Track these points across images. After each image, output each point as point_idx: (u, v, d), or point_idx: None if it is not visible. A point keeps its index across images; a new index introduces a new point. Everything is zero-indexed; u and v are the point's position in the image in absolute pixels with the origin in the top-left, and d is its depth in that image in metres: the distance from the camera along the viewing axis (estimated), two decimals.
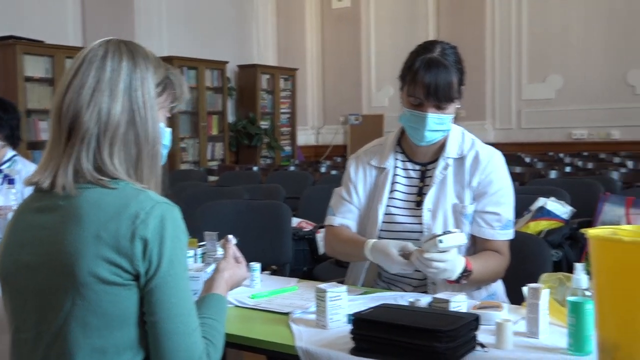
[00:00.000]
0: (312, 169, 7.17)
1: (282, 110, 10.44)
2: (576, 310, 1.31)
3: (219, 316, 1.33)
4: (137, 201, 1.20)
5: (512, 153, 8.19)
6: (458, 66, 1.90)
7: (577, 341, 1.32)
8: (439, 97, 1.85)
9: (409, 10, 10.10)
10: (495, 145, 7.80)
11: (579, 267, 1.36)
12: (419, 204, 1.97)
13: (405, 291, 1.93)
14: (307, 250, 3.66)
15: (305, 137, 10.99)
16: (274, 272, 2.96)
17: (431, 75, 1.83)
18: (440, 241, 1.65)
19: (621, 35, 8.54)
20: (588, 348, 1.29)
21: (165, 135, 1.36)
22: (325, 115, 11.19)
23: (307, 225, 3.76)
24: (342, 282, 2.09)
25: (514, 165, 6.59)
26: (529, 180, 5.22)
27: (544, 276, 1.67)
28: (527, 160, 7.26)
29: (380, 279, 2.05)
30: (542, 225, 3.06)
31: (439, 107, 1.87)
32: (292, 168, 7.46)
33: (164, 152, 1.35)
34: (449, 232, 1.70)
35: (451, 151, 1.98)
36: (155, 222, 1.18)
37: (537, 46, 9.15)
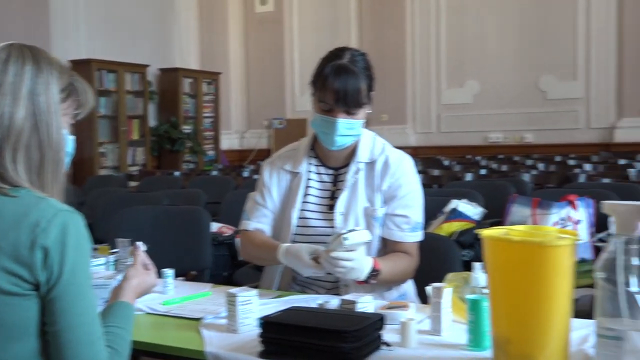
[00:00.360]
0: (235, 173, 7.15)
1: (205, 115, 10.36)
2: (474, 307, 1.37)
3: (125, 324, 1.32)
4: (38, 209, 1.18)
5: (432, 156, 8.42)
6: (367, 73, 1.94)
7: (475, 337, 1.38)
8: (348, 103, 1.89)
9: (331, 15, 10.22)
10: (416, 148, 8.10)
11: (477, 266, 1.42)
12: (331, 207, 2.01)
13: (319, 294, 1.96)
14: (228, 255, 3.65)
15: (229, 141, 10.93)
16: (194, 278, 2.94)
17: (340, 82, 1.87)
18: (345, 238, 1.69)
19: (533, 44, 8.91)
20: (485, 343, 1.35)
21: (69, 143, 1.34)
22: (249, 119, 11.18)
23: (228, 230, 3.75)
24: (257, 287, 2.12)
25: (432, 168, 6.77)
26: (446, 182, 5.37)
27: (450, 275, 1.73)
28: (446, 163, 7.46)
29: (294, 283, 2.07)
30: (455, 226, 3.16)
31: (349, 113, 1.92)
32: (214, 173, 7.41)
33: (67, 159, 1.33)
34: (354, 230, 1.74)
35: (362, 156, 2.02)
36: (57, 231, 1.16)
37: (455, 53, 9.43)
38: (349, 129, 1.93)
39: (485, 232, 1.22)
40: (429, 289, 1.55)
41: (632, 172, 5.51)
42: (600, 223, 3.10)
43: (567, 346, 1.20)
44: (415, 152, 9.27)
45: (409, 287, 2.07)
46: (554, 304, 1.16)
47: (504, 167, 6.74)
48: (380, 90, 8.43)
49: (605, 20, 8.60)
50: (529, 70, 8.95)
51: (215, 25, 10.83)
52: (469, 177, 5.65)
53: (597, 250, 2.97)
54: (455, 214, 3.23)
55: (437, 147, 9.26)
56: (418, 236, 2.01)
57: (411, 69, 9.67)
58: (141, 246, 1.55)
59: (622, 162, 6.75)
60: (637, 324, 1.13)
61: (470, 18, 9.30)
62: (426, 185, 5.69)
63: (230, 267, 3.60)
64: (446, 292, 1.51)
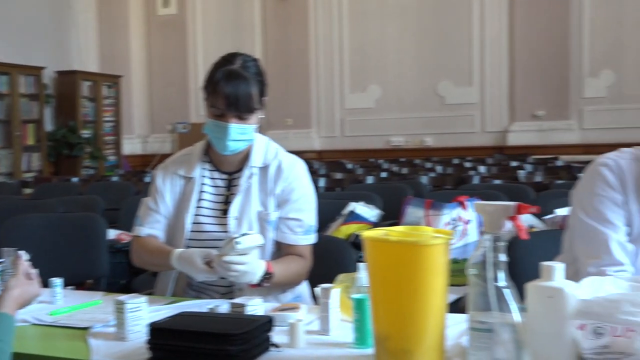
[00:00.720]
0: (137, 178, 6.99)
1: (106, 119, 10.07)
2: (359, 306, 1.42)
3: (4, 336, 1.28)
4: None
5: (336, 160, 8.55)
6: (259, 78, 1.96)
7: (360, 335, 1.42)
8: (240, 108, 1.90)
9: (235, 18, 10.19)
10: (321, 152, 8.18)
11: (362, 266, 1.47)
12: (225, 212, 2.02)
13: (214, 299, 1.96)
14: (126, 262, 3.57)
15: (131, 146, 10.68)
16: (91, 287, 2.87)
17: (231, 87, 1.89)
18: (238, 242, 1.71)
19: (431, 50, 9.23)
20: (370, 341, 1.40)
21: None
22: (152, 123, 10.96)
23: (127, 237, 3.67)
24: (151, 293, 2.09)
25: (336, 171, 6.88)
26: (348, 185, 5.48)
27: (341, 276, 1.78)
28: (350, 166, 7.60)
29: (190, 288, 2.06)
30: (353, 228, 3.23)
31: (241, 118, 1.93)
32: (115, 178, 7.23)
33: None
34: (246, 233, 1.76)
35: (256, 160, 2.04)
36: None
37: (358, 58, 9.62)
38: (241, 134, 1.95)
39: (365, 233, 1.26)
40: (317, 290, 1.59)
41: (521, 173, 5.80)
42: None
43: (442, 340, 1.26)
44: (319, 155, 9.38)
45: (304, 289, 2.10)
46: (429, 301, 1.21)
47: (405, 170, 6.93)
48: (284, 95, 8.62)
49: (498, 30, 9.03)
50: (428, 76, 9.26)
51: (116, 27, 10.57)
52: (370, 180, 5.78)
53: None
54: (353, 217, 3.30)
55: (341, 150, 9.41)
56: (311, 239, 2.05)
57: (315, 74, 9.79)
58: (23, 255, 1.51)
59: (514, 164, 7.09)
60: (505, 316, 1.21)
61: (371, 24, 9.51)
62: (329, 188, 5.82)
63: (128, 274, 3.53)
64: (334, 292, 1.55)
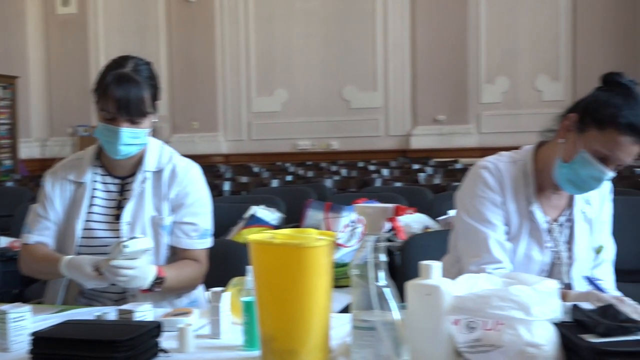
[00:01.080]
0: (33, 184, 6.71)
1: (1, 121, 9.62)
2: (248, 309, 1.44)
3: None
4: None
5: (243, 163, 8.53)
6: (151, 82, 1.94)
7: (249, 337, 1.44)
8: (131, 112, 1.88)
9: (139, 20, 9.97)
10: (228, 156, 8.09)
11: (249, 268, 1.48)
12: (117, 217, 1.98)
13: (106, 306, 1.92)
14: (18, 271, 3.43)
15: (29, 149, 10.24)
16: None
17: (122, 90, 1.86)
18: (126, 246, 1.69)
19: (337, 55, 9.38)
20: (258, 343, 1.42)
21: None
22: (51, 126, 10.56)
23: (20, 245, 3.53)
24: (41, 302, 2.03)
25: (242, 175, 6.86)
26: (252, 189, 5.48)
27: (235, 280, 1.79)
28: (256, 170, 7.60)
29: (82, 296, 2.01)
30: (254, 232, 3.23)
31: (133, 122, 1.90)
32: (10, 184, 6.92)
33: None
34: (135, 237, 1.74)
35: (149, 164, 2.02)
36: None
37: (264, 62, 9.64)
38: (133, 138, 1.92)
39: (250, 236, 1.28)
40: (207, 293, 1.59)
41: (421, 176, 5.99)
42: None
43: (327, 339, 1.29)
44: (226, 159, 9.33)
45: (200, 293, 2.09)
46: (313, 301, 1.24)
47: (310, 173, 7.00)
48: (191, 98, 8.48)
49: (401, 37, 9.28)
50: (333, 81, 9.39)
51: (11, 26, 10.11)
52: (274, 183, 5.80)
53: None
54: (254, 220, 3.31)
55: (248, 154, 9.39)
56: (207, 243, 2.05)
57: (221, 77, 9.72)
58: None
59: (416, 166, 7.31)
60: (386, 314, 1.25)
61: (278, 28, 9.56)
62: (234, 192, 5.80)
63: (21, 283, 3.39)
64: (224, 295, 1.56)
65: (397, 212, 1.28)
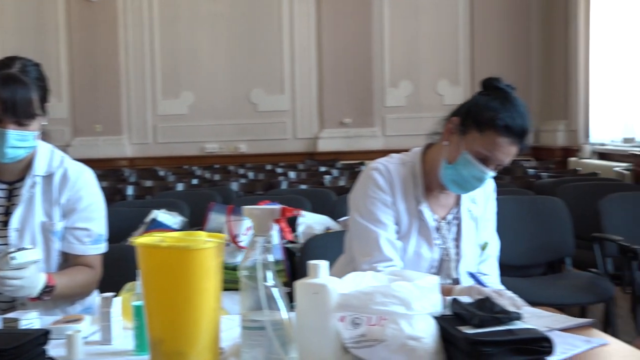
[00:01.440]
0: None
1: None
2: (138, 313, 1.43)
3: None
4: None
5: (148, 167, 8.36)
6: (40, 83, 1.89)
7: (140, 342, 1.43)
8: (18, 114, 1.82)
9: (37, 20, 9.58)
10: (133, 159, 7.89)
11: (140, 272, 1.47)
12: (6, 224, 1.92)
13: None
14: None
15: None
16: None
17: (8, 91, 1.80)
18: (13, 258, 1.64)
19: (243, 58, 9.35)
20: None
21: None
22: None
23: None
24: None
25: (147, 179, 6.73)
26: (157, 193, 5.39)
27: (128, 285, 1.77)
28: (162, 173, 7.47)
29: None
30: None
31: (20, 124, 1.85)
32: None
33: None
34: (24, 248, 1.69)
35: (39, 169, 1.96)
36: None
37: (170, 64, 9.47)
38: (20, 141, 1.86)
39: (137, 240, 1.28)
40: (98, 299, 1.57)
41: (327, 178, 6.08)
42: (289, 226, 3.37)
43: (217, 341, 1.30)
44: (131, 163, 9.11)
45: (94, 299, 2.05)
46: (201, 303, 1.25)
47: (217, 177, 6.95)
48: (93, 101, 8.21)
49: (307, 41, 9.36)
50: (240, 83, 9.36)
51: None
52: (180, 187, 5.73)
53: (287, 251, 3.23)
54: (155, 224, 3.26)
55: (154, 157, 9.20)
56: (101, 248, 2.01)
57: (125, 79, 9.49)
58: None
59: (322, 169, 7.39)
60: (275, 314, 1.28)
61: (183, 30, 9.43)
62: (138, 196, 5.69)
63: None
64: (115, 301, 1.54)
65: (284, 214, 1.31)
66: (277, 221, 1.31)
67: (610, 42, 7.28)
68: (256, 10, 9.35)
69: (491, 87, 1.78)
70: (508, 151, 1.75)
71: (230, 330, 1.42)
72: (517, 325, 1.25)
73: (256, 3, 9.38)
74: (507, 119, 1.71)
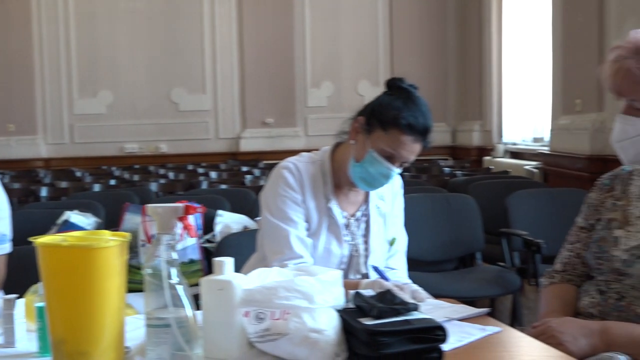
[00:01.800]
0: None
1: None
2: (40, 314, 1.41)
3: None
4: None
5: (65, 168, 8.12)
6: None
7: (43, 343, 1.41)
8: None
9: None
10: (48, 160, 7.67)
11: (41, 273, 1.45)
12: None
13: None
14: None
15: None
16: None
17: None
18: None
19: (164, 57, 9.21)
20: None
21: None
22: None
23: None
24: None
25: (63, 180, 6.54)
26: (72, 194, 5.26)
27: (34, 286, 1.73)
28: (78, 174, 7.28)
29: None
30: None
31: None
32: None
33: None
34: None
35: None
36: None
37: (86, 62, 9.23)
38: None
39: (38, 240, 1.26)
40: (0, 300, 1.54)
41: (248, 178, 6.08)
42: (207, 225, 3.37)
43: (121, 340, 1.30)
44: (47, 163, 8.83)
45: None
46: (104, 302, 1.25)
47: (137, 177, 6.84)
48: (5, 99, 7.95)
49: (228, 40, 9.31)
50: (161, 83, 9.22)
51: None
52: (96, 187, 5.62)
53: (204, 251, 3.23)
54: (67, 226, 3.20)
55: (71, 158, 8.95)
56: (5, 249, 1.98)
57: (40, 77, 9.18)
58: None
59: (244, 169, 7.39)
60: (179, 311, 1.29)
61: (100, 27, 9.20)
62: (53, 197, 5.53)
63: None
64: (18, 302, 1.51)
65: (188, 211, 1.32)
66: (181, 219, 1.32)
67: (521, 46, 7.59)
68: (176, 7, 9.23)
69: (395, 87, 1.85)
70: (412, 149, 1.81)
71: (138, 330, 1.42)
72: (414, 315, 1.31)
73: (176, 0, 9.26)
74: (409, 117, 1.78)
